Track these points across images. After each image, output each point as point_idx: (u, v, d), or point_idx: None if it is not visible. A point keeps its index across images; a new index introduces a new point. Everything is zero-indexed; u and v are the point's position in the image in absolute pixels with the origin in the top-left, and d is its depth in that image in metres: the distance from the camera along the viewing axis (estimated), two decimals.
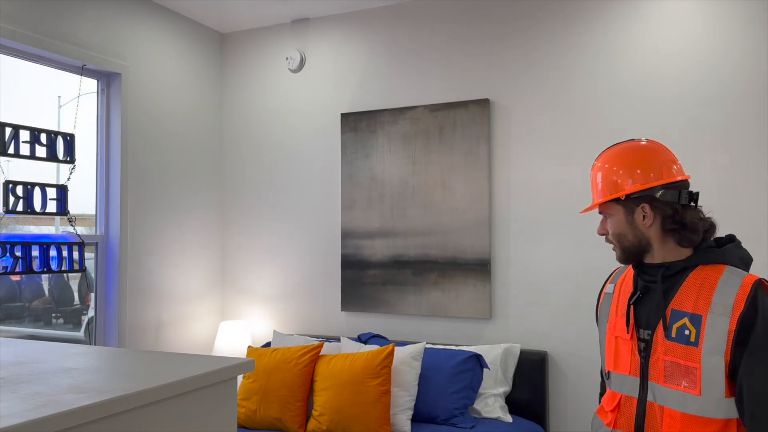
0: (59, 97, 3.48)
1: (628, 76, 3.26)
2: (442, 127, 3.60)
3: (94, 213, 3.54)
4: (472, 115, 3.53)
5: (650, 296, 1.59)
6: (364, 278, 3.78)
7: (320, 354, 3.27)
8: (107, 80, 3.55)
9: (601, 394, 1.82)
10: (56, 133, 3.21)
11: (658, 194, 1.55)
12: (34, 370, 1.30)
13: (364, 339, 3.50)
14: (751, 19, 3.03)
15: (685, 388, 1.47)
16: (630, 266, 1.69)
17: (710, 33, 3.10)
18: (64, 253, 3.23)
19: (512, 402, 3.24)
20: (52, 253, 3.17)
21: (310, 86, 4.05)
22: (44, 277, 3.55)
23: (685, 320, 1.49)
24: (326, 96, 3.99)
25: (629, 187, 1.57)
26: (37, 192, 3.12)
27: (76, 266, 3.29)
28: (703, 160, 3.10)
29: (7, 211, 3.00)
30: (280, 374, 3.18)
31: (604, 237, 1.67)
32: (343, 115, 3.87)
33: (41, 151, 3.14)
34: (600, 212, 1.67)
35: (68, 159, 3.26)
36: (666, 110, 3.18)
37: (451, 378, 3.12)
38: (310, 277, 4.00)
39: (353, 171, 3.84)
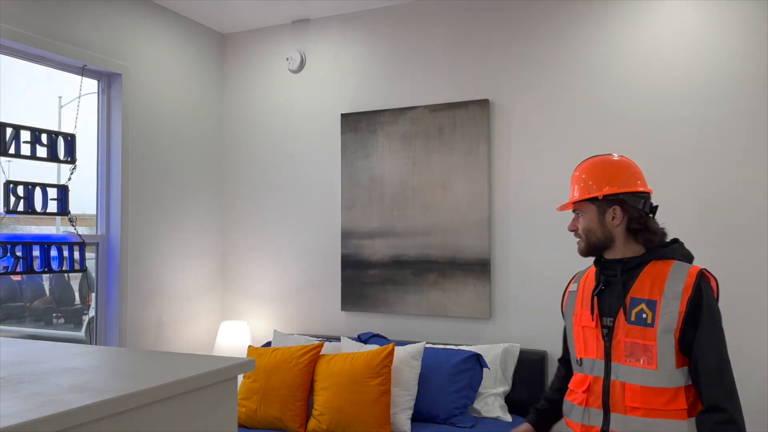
0: (60, 97, 3.48)
1: (628, 76, 3.26)
2: (442, 127, 3.61)
3: (94, 213, 3.54)
4: (472, 115, 3.54)
5: (611, 288, 1.88)
6: (364, 278, 3.78)
7: (320, 354, 3.28)
8: (108, 80, 3.56)
9: (565, 378, 2.09)
10: (57, 134, 3.22)
11: (629, 200, 1.87)
12: (34, 370, 1.31)
13: (364, 339, 3.51)
14: (751, 19, 3.03)
15: (644, 364, 1.76)
16: (591, 267, 2.01)
17: (710, 33, 3.11)
18: (65, 253, 3.23)
19: (512, 401, 3.24)
20: (53, 253, 3.17)
21: (311, 86, 4.05)
22: (45, 277, 3.56)
23: (643, 305, 1.79)
24: (326, 96, 4.00)
25: (606, 190, 1.88)
26: (37, 192, 3.12)
27: (76, 266, 3.30)
28: (702, 159, 3.11)
29: (8, 211, 3.01)
30: (281, 374, 3.19)
31: (573, 232, 1.96)
32: (343, 115, 3.88)
33: (42, 152, 3.15)
34: (574, 210, 1.96)
35: (69, 159, 3.26)
36: (666, 110, 3.18)
37: (450, 377, 3.13)
38: (310, 277, 4.00)
39: (353, 171, 3.84)
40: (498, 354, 3.28)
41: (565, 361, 2.13)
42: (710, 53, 3.11)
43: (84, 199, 3.47)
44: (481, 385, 3.21)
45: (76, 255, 3.30)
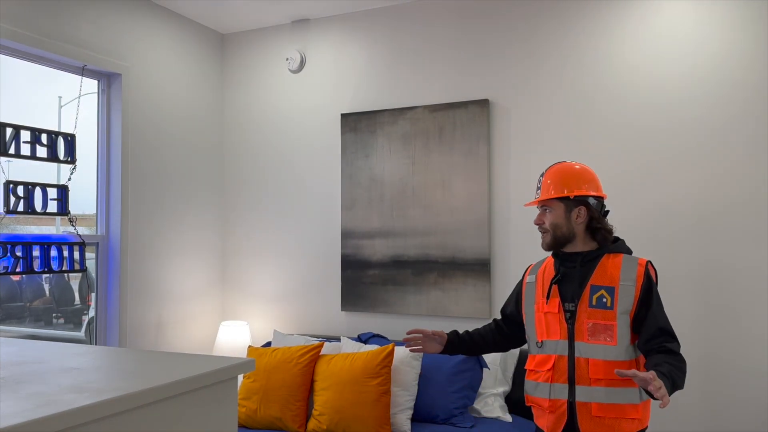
0: (60, 97, 3.48)
1: (628, 76, 3.26)
2: (442, 127, 3.61)
3: (94, 213, 3.54)
4: (471, 115, 3.54)
5: (569, 278, 2.16)
6: (364, 278, 3.78)
7: (320, 354, 3.28)
8: (108, 81, 3.56)
9: (493, 332, 2.44)
10: (57, 134, 3.22)
11: (592, 202, 2.18)
12: (34, 370, 1.31)
13: (364, 339, 3.51)
14: (751, 19, 3.03)
15: (605, 341, 2.06)
16: (546, 260, 2.29)
17: (710, 34, 3.11)
18: (65, 253, 3.23)
19: (512, 401, 3.24)
20: (53, 253, 3.17)
21: (310, 87, 4.05)
22: (45, 277, 3.56)
23: (603, 291, 2.10)
24: (326, 96, 4.00)
25: (577, 191, 2.16)
26: (37, 192, 3.12)
27: (76, 266, 3.30)
28: (702, 159, 3.11)
29: (8, 212, 3.01)
30: (281, 374, 3.19)
31: (539, 226, 2.21)
32: (343, 115, 3.88)
33: (42, 152, 3.15)
34: (543, 206, 2.21)
35: (69, 159, 3.26)
36: (666, 110, 3.19)
37: (450, 378, 3.13)
38: (310, 277, 4.00)
39: (353, 171, 3.84)
40: (498, 354, 3.28)
41: (502, 319, 2.44)
42: (710, 54, 3.11)
43: (84, 199, 3.47)
44: (481, 385, 3.21)
45: (76, 255, 3.30)
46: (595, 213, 2.17)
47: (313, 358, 3.23)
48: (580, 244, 2.18)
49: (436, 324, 3.61)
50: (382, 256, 3.73)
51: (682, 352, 2.05)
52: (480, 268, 3.49)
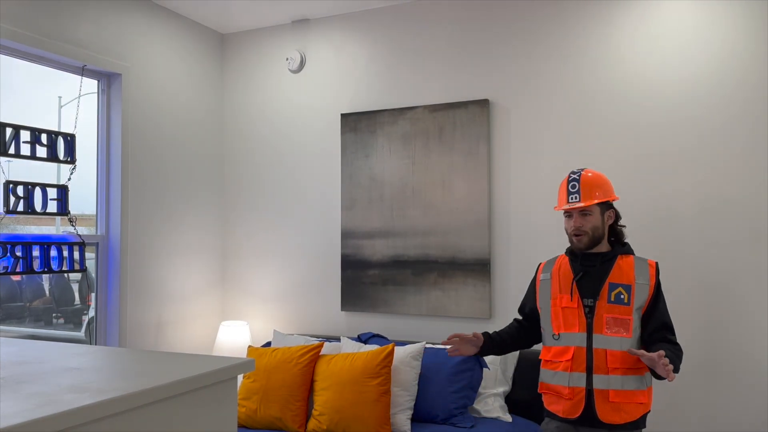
0: (60, 97, 3.48)
1: (628, 76, 3.26)
2: (442, 127, 3.61)
3: (94, 213, 3.54)
4: (471, 115, 3.54)
5: (588, 276, 2.36)
6: (364, 278, 3.78)
7: (320, 354, 3.28)
8: (108, 81, 3.56)
9: (519, 330, 2.60)
10: (57, 134, 3.22)
11: (615, 206, 2.44)
12: (34, 370, 1.31)
13: (364, 339, 3.51)
14: (751, 19, 3.03)
15: (622, 334, 2.27)
16: (558, 259, 2.49)
17: (710, 34, 3.11)
18: (65, 253, 3.23)
19: (512, 401, 3.24)
20: (53, 253, 3.17)
21: (310, 87, 4.05)
22: (45, 277, 3.56)
23: (620, 288, 2.31)
24: (326, 96, 4.00)
25: (612, 196, 2.40)
26: (37, 192, 3.12)
27: (76, 266, 3.30)
28: (703, 159, 3.11)
29: (8, 212, 3.01)
30: (281, 374, 3.19)
31: (577, 228, 2.36)
32: (343, 115, 3.88)
33: (42, 152, 3.15)
34: (583, 211, 2.36)
35: (69, 159, 3.26)
36: (666, 110, 3.19)
37: (450, 378, 3.13)
38: (310, 277, 4.00)
39: (353, 171, 3.84)
40: None
41: (523, 318, 2.61)
42: (711, 53, 3.11)
43: (84, 199, 3.47)
44: (481, 385, 3.21)
45: (76, 255, 3.30)
46: (618, 215, 2.42)
47: (313, 358, 3.23)
48: (602, 245, 2.39)
49: (436, 324, 3.61)
50: (382, 256, 3.73)
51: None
52: (480, 268, 3.48)
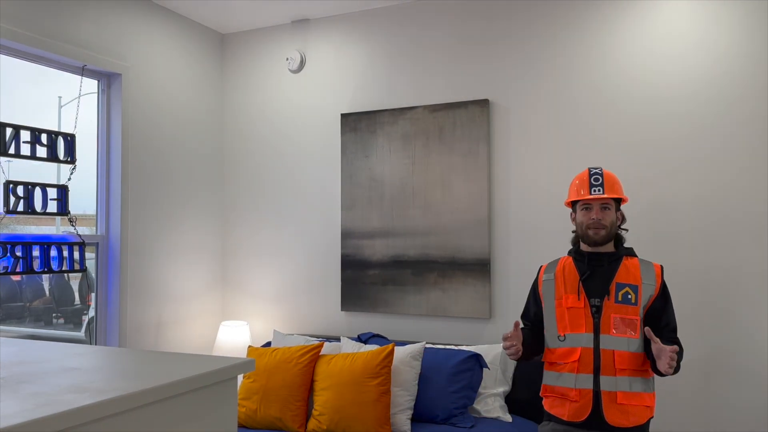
0: (60, 97, 3.48)
1: (628, 76, 3.26)
2: (442, 127, 3.61)
3: (94, 213, 3.54)
4: (471, 115, 3.54)
5: (595, 276, 2.33)
6: (364, 278, 3.78)
7: (320, 354, 3.28)
8: (108, 81, 3.56)
9: (530, 331, 2.46)
10: (57, 134, 3.22)
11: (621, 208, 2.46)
12: (34, 370, 1.31)
13: (364, 339, 3.51)
14: (751, 19, 3.03)
15: (630, 335, 2.25)
16: (561, 259, 2.47)
17: (710, 33, 3.11)
18: (65, 253, 3.23)
19: (512, 401, 3.24)
20: (53, 253, 3.17)
21: (311, 86, 4.05)
22: (45, 277, 3.56)
23: (627, 289, 2.29)
24: (326, 96, 4.00)
25: (625, 196, 2.42)
26: (37, 192, 3.12)
27: (76, 266, 3.30)
28: (702, 159, 3.11)
29: (8, 211, 3.01)
30: (281, 374, 3.19)
31: (597, 221, 2.32)
32: (343, 115, 3.88)
33: (42, 152, 3.15)
34: (604, 204, 2.34)
35: (69, 159, 3.26)
36: (666, 109, 3.19)
37: (450, 378, 3.13)
38: (310, 277, 4.00)
39: (353, 171, 3.84)
40: (498, 354, 3.28)
41: (531, 323, 2.52)
42: (711, 54, 3.11)
43: (84, 199, 3.47)
44: (481, 385, 3.21)
45: (76, 255, 3.30)
46: (624, 218, 2.44)
47: (313, 358, 3.23)
48: (609, 246, 2.37)
49: (436, 324, 3.61)
50: (382, 256, 3.73)
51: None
52: (480, 268, 3.48)
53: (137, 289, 3.61)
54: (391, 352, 3.10)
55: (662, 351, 2.10)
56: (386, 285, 3.72)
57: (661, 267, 2.37)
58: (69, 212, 3.26)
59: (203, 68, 4.15)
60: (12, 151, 3.00)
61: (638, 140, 3.23)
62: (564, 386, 2.29)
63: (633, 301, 2.27)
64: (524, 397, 3.23)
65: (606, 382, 2.23)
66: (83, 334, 3.64)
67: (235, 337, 3.88)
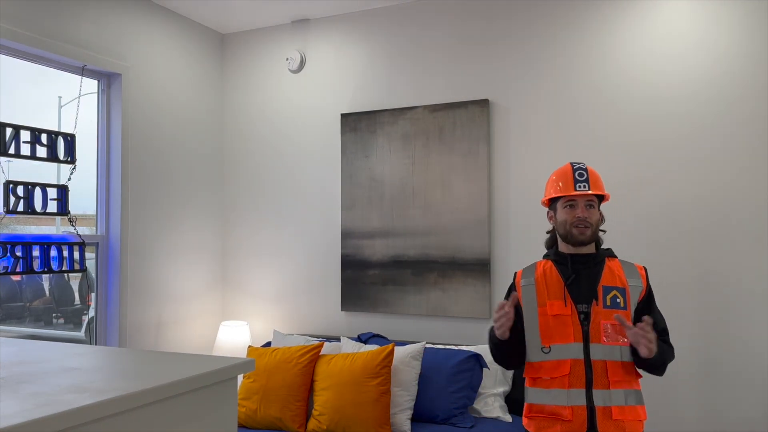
0: (60, 97, 3.48)
1: (628, 76, 3.26)
2: (442, 127, 3.61)
3: (94, 213, 3.54)
4: (471, 115, 3.54)
5: (579, 280, 2.14)
6: (364, 278, 3.78)
7: (320, 354, 3.28)
8: (108, 81, 3.56)
9: (515, 365, 2.24)
10: (57, 134, 3.22)
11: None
12: (34, 370, 1.31)
13: (364, 339, 3.51)
14: (751, 19, 3.03)
15: (621, 342, 2.06)
16: (540, 263, 2.24)
17: (710, 33, 3.11)
18: (65, 253, 3.23)
19: (512, 401, 3.24)
20: (53, 253, 3.17)
21: (311, 86, 4.05)
22: (45, 277, 3.56)
23: (615, 292, 2.11)
24: (326, 96, 4.00)
25: (606, 193, 2.22)
26: (37, 192, 3.12)
27: (76, 266, 3.30)
28: (702, 159, 3.11)
29: (8, 211, 3.01)
30: (281, 374, 3.19)
31: (583, 219, 2.13)
32: (343, 115, 3.88)
33: (42, 152, 3.15)
34: (589, 202, 2.16)
35: (69, 159, 3.26)
36: (666, 109, 3.19)
37: (450, 378, 3.13)
38: (310, 277, 4.00)
39: (353, 171, 3.84)
40: None
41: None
42: (711, 53, 3.11)
43: (84, 199, 3.47)
44: (481, 385, 3.21)
45: (76, 255, 3.30)
46: (603, 218, 2.25)
47: (313, 358, 3.23)
48: (590, 247, 2.19)
49: (436, 324, 3.61)
50: (382, 256, 3.73)
51: (681, 351, 2.22)
52: (480, 268, 3.48)
53: (137, 289, 3.61)
54: (391, 352, 3.10)
55: (636, 333, 1.95)
56: (386, 285, 3.72)
57: (645, 268, 2.22)
58: (69, 212, 3.26)
59: (203, 68, 4.15)
60: (12, 151, 3.00)
61: (638, 140, 3.23)
62: (555, 404, 2.07)
63: (622, 305, 2.09)
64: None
65: (599, 397, 2.03)
66: (83, 334, 3.64)
67: (235, 337, 3.88)
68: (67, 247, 3.24)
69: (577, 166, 2.21)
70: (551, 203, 2.24)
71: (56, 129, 3.28)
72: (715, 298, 3.06)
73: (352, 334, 3.80)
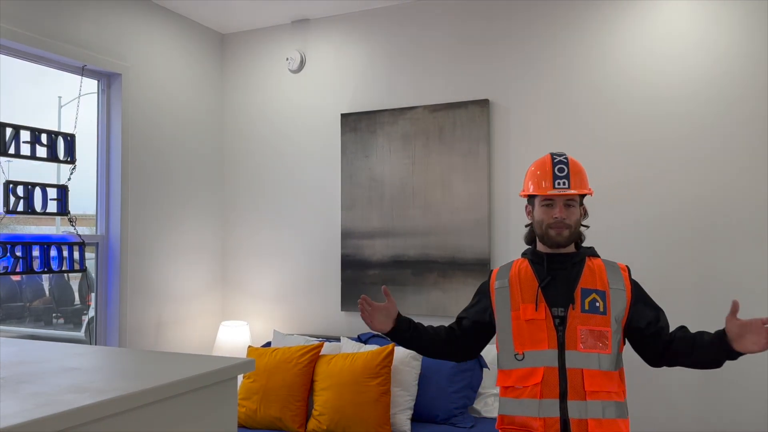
0: (60, 97, 3.48)
1: (628, 76, 3.26)
2: (442, 127, 3.61)
3: (94, 213, 3.54)
4: (471, 115, 3.54)
5: (555, 281, 1.98)
6: (364, 278, 3.78)
7: (320, 354, 3.28)
8: (108, 81, 3.56)
9: (446, 341, 2.13)
10: (57, 134, 3.22)
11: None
12: (34, 370, 1.31)
13: (364, 339, 3.51)
14: (751, 19, 3.03)
15: (600, 349, 1.90)
16: (517, 263, 2.09)
17: (710, 33, 3.11)
18: (65, 253, 3.23)
19: None
20: (53, 253, 3.17)
21: (310, 86, 4.05)
22: (45, 277, 3.56)
23: (594, 295, 1.94)
24: (326, 96, 4.00)
25: (589, 189, 2.04)
26: (37, 192, 3.12)
27: (76, 266, 3.30)
28: (702, 159, 3.11)
29: (8, 211, 3.01)
30: (281, 374, 3.19)
31: (561, 220, 1.97)
32: (343, 115, 3.88)
33: (42, 152, 3.15)
34: (569, 201, 2.00)
35: (69, 159, 3.26)
36: (666, 109, 3.19)
37: (450, 378, 3.13)
38: (310, 277, 4.00)
39: (353, 171, 3.84)
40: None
41: (459, 329, 2.14)
42: (711, 53, 3.11)
43: (84, 199, 3.47)
44: (481, 385, 3.21)
45: (76, 255, 3.30)
46: (586, 213, 2.09)
47: (313, 358, 3.23)
48: (570, 246, 2.03)
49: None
50: (382, 256, 3.73)
51: None
52: (480, 268, 3.48)
53: (137, 289, 3.61)
54: (391, 352, 3.10)
55: (744, 326, 1.76)
56: (386, 285, 3.71)
57: (628, 267, 2.05)
58: (69, 212, 3.26)
59: (203, 68, 4.15)
60: (12, 151, 3.00)
61: (638, 140, 3.22)
62: (525, 415, 1.91)
63: (601, 309, 1.92)
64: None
65: (575, 408, 1.87)
66: (83, 334, 3.64)
67: (235, 337, 3.88)
68: (67, 247, 3.24)
69: (558, 159, 2.03)
70: (530, 198, 2.09)
71: (56, 129, 3.28)
72: (715, 298, 3.06)
73: (352, 334, 3.80)
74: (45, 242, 3.14)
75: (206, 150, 4.16)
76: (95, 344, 3.47)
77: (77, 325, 3.68)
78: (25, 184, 3.06)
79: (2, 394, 1.12)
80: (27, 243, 3.06)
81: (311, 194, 4.02)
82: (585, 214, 2.07)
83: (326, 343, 3.43)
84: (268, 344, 3.73)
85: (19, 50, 3.09)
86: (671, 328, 2.01)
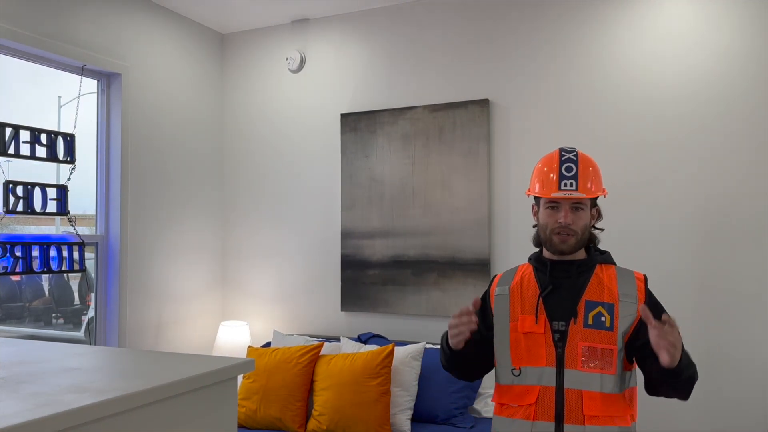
0: (59, 97, 3.48)
1: (628, 76, 3.26)
2: (442, 127, 3.61)
3: (94, 213, 3.54)
4: (471, 115, 3.54)
5: (558, 291, 1.79)
6: (364, 278, 3.78)
7: (320, 354, 3.28)
8: (107, 80, 3.55)
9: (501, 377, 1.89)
10: (56, 134, 3.22)
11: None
12: (34, 370, 1.31)
13: (363, 339, 3.51)
14: (751, 19, 3.03)
15: (603, 370, 1.70)
16: (520, 269, 1.92)
17: (710, 33, 3.11)
18: (65, 253, 3.23)
19: None
20: (53, 253, 3.17)
21: (310, 86, 4.05)
22: (44, 277, 3.56)
23: (601, 308, 1.74)
24: (326, 96, 4.00)
25: (605, 189, 1.86)
26: (37, 192, 3.12)
27: (76, 266, 3.29)
28: (702, 159, 3.11)
29: (8, 211, 3.00)
30: (280, 374, 3.19)
31: (567, 225, 1.79)
32: (343, 115, 3.88)
33: (41, 152, 3.15)
34: (576, 204, 1.81)
35: (68, 159, 3.26)
36: (665, 109, 3.19)
37: (450, 378, 3.12)
38: (310, 277, 4.00)
39: (353, 171, 3.84)
40: None
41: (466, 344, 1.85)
42: (711, 53, 3.11)
43: (83, 199, 3.47)
44: (481, 385, 3.21)
45: (76, 255, 3.29)
46: (601, 214, 1.92)
47: (312, 358, 3.23)
48: (580, 251, 1.86)
49: (436, 324, 3.61)
50: (382, 256, 3.73)
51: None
52: (480, 268, 3.48)
53: (137, 289, 3.61)
54: (391, 353, 3.10)
55: (658, 333, 1.56)
56: (386, 285, 3.71)
57: (645, 277, 1.83)
58: (69, 212, 3.26)
59: (203, 68, 4.15)
60: (11, 151, 3.00)
61: (638, 140, 3.22)
62: None
63: (607, 325, 1.72)
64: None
65: None
66: (83, 334, 3.64)
67: (235, 337, 3.88)
68: (66, 247, 3.24)
69: (566, 156, 1.84)
70: (536, 197, 1.94)
71: (56, 129, 3.28)
72: (715, 298, 3.06)
73: (352, 334, 3.80)
74: (45, 242, 3.14)
75: (206, 150, 4.16)
76: (95, 344, 3.47)
77: (77, 326, 3.68)
78: (25, 184, 3.06)
79: (2, 394, 1.11)
80: (27, 243, 3.06)
81: (311, 194, 4.02)
82: (598, 216, 1.89)
83: (326, 344, 3.43)
84: (268, 344, 3.73)
85: (19, 50, 3.09)
86: None
